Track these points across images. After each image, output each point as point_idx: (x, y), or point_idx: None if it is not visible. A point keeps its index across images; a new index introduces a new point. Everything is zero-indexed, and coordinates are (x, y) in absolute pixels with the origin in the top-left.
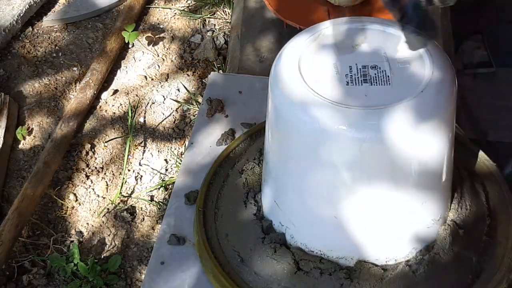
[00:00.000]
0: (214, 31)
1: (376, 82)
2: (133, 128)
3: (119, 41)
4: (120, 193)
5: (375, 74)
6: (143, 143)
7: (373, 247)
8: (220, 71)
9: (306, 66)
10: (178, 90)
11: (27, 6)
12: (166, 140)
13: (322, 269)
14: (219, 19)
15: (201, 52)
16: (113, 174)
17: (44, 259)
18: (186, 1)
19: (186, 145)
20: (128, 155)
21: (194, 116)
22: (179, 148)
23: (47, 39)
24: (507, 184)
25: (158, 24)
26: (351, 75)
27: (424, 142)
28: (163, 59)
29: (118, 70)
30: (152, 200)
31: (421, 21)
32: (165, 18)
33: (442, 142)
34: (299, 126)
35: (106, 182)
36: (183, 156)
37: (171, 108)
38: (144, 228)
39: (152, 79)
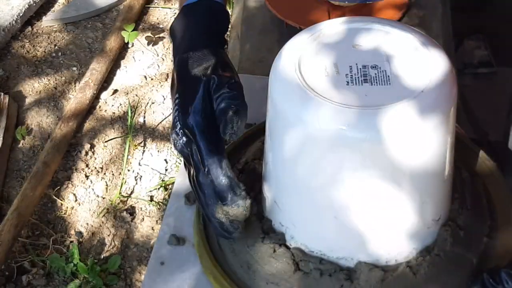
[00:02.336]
0: None
1: (377, 82)
2: (133, 128)
3: (118, 41)
4: (120, 193)
5: (375, 74)
6: (142, 143)
7: (373, 248)
8: None
9: (306, 66)
10: None
11: (27, 6)
12: (166, 140)
13: (322, 270)
14: None
15: None
16: (113, 174)
17: (43, 259)
18: None
19: None
20: (127, 155)
21: None
22: None
23: (47, 39)
24: (508, 184)
25: (158, 23)
26: (351, 75)
27: (424, 142)
28: (163, 59)
29: (118, 70)
30: (151, 200)
31: None
32: (164, 18)
33: (442, 142)
34: (299, 126)
35: (105, 182)
36: None
37: (171, 108)
38: (144, 228)
39: (152, 79)
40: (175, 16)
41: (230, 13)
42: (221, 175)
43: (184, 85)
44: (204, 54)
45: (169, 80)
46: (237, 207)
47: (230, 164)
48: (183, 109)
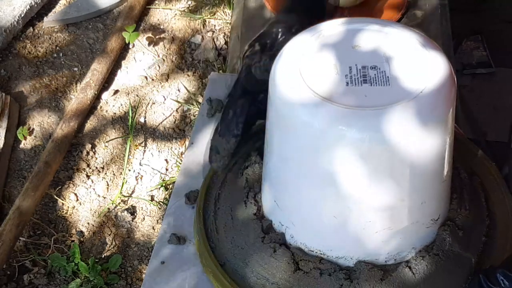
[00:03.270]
0: (214, 31)
1: (376, 83)
2: (134, 128)
3: (119, 42)
4: (121, 193)
5: (375, 74)
6: (143, 143)
7: (373, 247)
8: (220, 71)
9: (306, 67)
10: (179, 90)
11: (28, 6)
12: (167, 140)
13: (321, 269)
14: (219, 19)
15: (201, 52)
16: (114, 174)
17: (45, 258)
18: (187, 2)
19: (187, 145)
20: (128, 155)
21: (194, 116)
22: (179, 148)
23: (48, 39)
24: (506, 184)
25: (159, 24)
26: (351, 76)
27: (423, 142)
28: (164, 60)
29: (119, 71)
30: (152, 200)
31: None
32: (165, 19)
33: (441, 142)
34: (299, 126)
35: (106, 182)
36: (183, 156)
37: (172, 108)
38: (145, 228)
39: (153, 80)
40: (174, 17)
41: (230, 14)
42: (231, 110)
43: (265, 33)
44: (292, 18)
45: (170, 80)
46: (222, 138)
47: (247, 108)
48: (262, 47)
